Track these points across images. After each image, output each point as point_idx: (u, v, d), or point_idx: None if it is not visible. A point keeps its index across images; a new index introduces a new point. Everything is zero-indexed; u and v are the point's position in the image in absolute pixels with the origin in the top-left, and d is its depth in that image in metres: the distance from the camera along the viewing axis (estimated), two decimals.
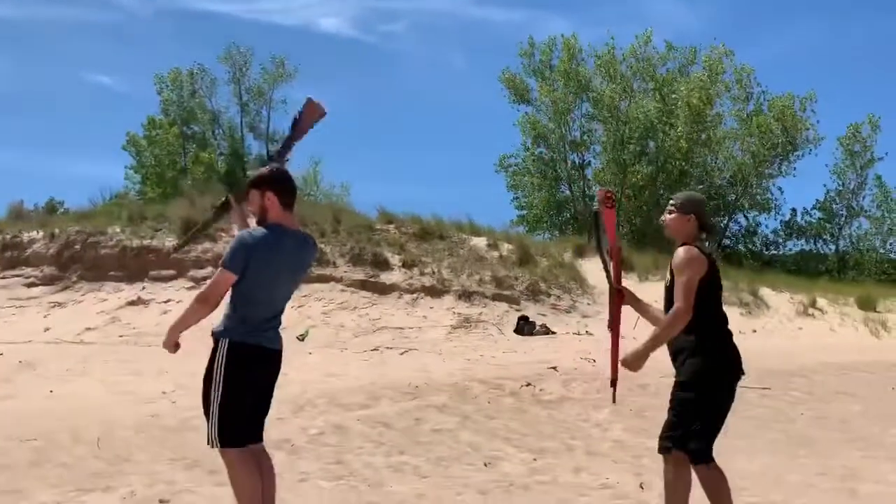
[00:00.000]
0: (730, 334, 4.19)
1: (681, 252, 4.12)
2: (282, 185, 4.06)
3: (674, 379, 4.22)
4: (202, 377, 4.00)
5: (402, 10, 66.67)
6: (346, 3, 65.04)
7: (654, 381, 9.63)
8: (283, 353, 4.17)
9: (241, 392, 3.91)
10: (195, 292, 4.31)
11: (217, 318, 4.04)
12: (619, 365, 4.32)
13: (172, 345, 4.07)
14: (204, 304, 3.93)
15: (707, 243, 4.37)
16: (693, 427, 4.04)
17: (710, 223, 4.35)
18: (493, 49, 67.50)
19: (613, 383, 4.61)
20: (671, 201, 4.34)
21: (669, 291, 4.19)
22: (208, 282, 4.02)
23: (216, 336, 3.96)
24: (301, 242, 4.13)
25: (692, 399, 4.06)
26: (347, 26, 66.07)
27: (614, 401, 5.06)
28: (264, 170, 4.19)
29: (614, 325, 4.53)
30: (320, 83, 62.86)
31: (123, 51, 62.25)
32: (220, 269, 3.93)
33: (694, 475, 4.11)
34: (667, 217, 4.31)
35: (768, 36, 59.34)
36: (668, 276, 4.22)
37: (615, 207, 4.65)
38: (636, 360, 4.12)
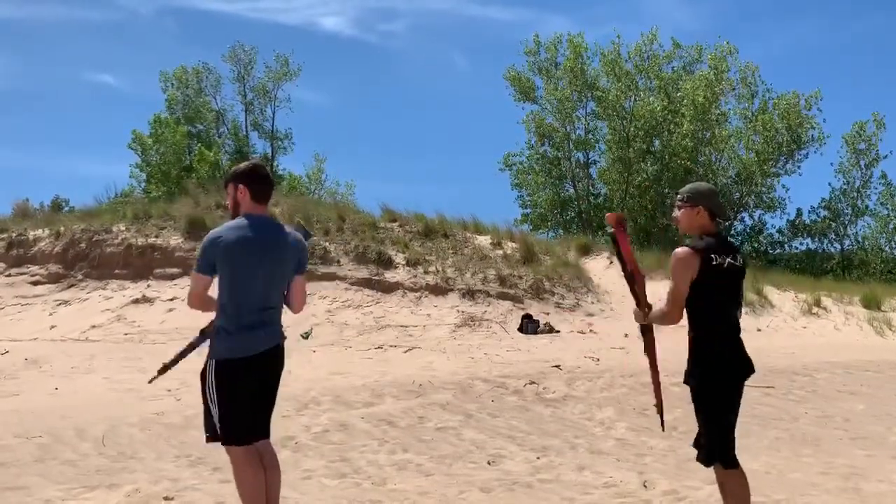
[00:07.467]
0: (727, 334, 4.06)
1: (673, 256, 4.02)
2: (255, 179, 4.09)
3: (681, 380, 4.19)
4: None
5: (403, 10, 66.76)
6: (348, 2, 65.13)
7: None
8: (287, 352, 4.17)
9: (237, 400, 3.93)
10: None
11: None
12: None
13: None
14: (192, 307, 4.10)
15: (721, 231, 4.21)
16: (704, 430, 4.03)
17: (722, 210, 4.20)
18: (493, 48, 67.53)
19: (659, 410, 4.55)
20: (678, 196, 4.20)
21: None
22: (189, 289, 4.13)
23: (206, 358, 4.00)
24: (275, 228, 4.10)
25: (697, 403, 4.04)
26: (349, 25, 66.21)
27: (663, 428, 5.04)
28: (240, 165, 4.23)
29: (650, 351, 4.39)
30: (323, 82, 63.03)
31: (126, 50, 62.50)
32: (193, 271, 4.03)
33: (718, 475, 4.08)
34: (676, 213, 4.18)
35: (770, 34, 59.21)
36: None
37: (625, 230, 4.41)
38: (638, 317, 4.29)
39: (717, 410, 4.01)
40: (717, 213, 4.13)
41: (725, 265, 4.02)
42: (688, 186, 4.27)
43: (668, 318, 4.04)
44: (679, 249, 4.03)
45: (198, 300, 4.03)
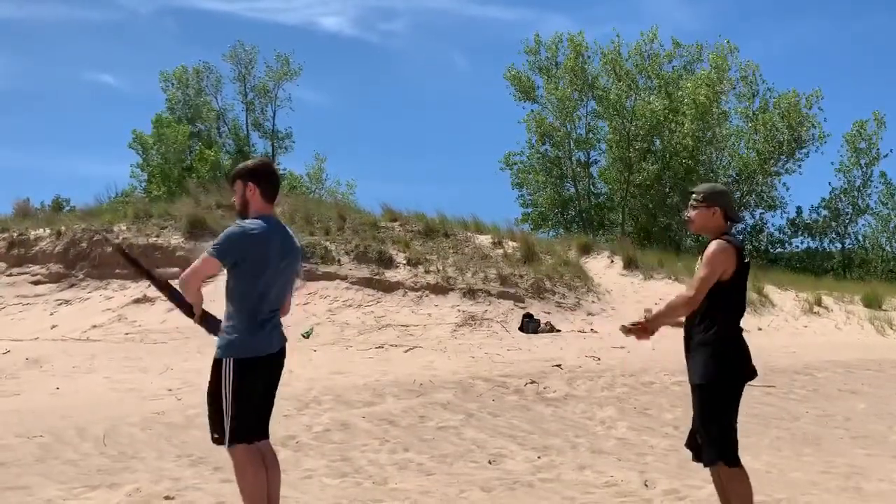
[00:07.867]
0: (737, 335, 4.06)
1: (712, 245, 3.97)
2: (265, 177, 4.05)
3: (687, 380, 4.14)
4: (206, 384, 4.00)
5: (403, 10, 66.73)
6: (348, 2, 65.08)
7: (658, 380, 9.64)
8: (289, 351, 4.18)
9: (249, 399, 3.94)
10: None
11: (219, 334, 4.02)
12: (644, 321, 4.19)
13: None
14: (184, 289, 3.98)
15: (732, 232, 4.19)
16: (707, 429, 4.00)
17: (736, 212, 4.18)
18: (493, 48, 67.49)
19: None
20: (693, 195, 4.14)
21: None
22: (191, 266, 3.95)
23: (218, 357, 3.95)
24: (286, 230, 4.10)
25: (702, 402, 4.01)
26: (349, 25, 66.20)
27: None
28: (249, 162, 4.19)
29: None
30: (323, 82, 63.03)
31: (126, 50, 62.45)
32: (206, 254, 3.88)
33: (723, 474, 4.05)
34: (691, 213, 4.13)
35: (771, 33, 59.16)
36: (697, 268, 4.06)
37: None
38: (653, 322, 4.10)
39: (722, 410, 3.99)
40: (731, 214, 4.11)
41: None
42: (703, 186, 4.22)
43: (691, 300, 3.95)
44: (719, 241, 3.98)
45: (197, 283, 3.93)
